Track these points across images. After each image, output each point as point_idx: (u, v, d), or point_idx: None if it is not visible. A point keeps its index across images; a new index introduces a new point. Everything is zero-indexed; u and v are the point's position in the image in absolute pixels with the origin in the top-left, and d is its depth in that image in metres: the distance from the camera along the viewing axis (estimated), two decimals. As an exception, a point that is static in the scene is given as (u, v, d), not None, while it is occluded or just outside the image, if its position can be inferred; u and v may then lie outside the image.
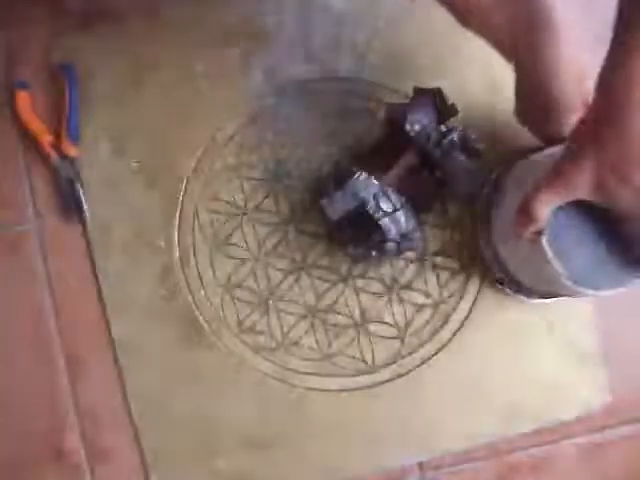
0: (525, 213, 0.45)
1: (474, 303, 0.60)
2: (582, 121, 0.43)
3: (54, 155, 0.61)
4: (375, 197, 0.53)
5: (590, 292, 0.48)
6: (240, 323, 0.61)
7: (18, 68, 0.63)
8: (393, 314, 0.60)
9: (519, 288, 0.57)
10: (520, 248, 0.51)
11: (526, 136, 0.55)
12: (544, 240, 0.47)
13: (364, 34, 0.62)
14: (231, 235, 0.61)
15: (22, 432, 0.61)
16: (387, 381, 0.60)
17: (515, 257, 0.55)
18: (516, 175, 0.54)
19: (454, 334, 0.60)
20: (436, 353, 0.60)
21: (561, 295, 0.54)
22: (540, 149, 0.53)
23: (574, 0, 0.47)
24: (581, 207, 0.46)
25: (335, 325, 0.60)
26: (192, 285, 0.61)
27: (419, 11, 0.62)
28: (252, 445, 0.60)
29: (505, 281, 0.58)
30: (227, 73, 0.62)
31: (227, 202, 0.61)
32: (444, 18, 0.50)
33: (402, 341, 0.60)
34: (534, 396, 0.60)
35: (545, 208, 0.45)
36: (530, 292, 0.57)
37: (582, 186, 0.42)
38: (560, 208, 0.46)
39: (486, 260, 0.59)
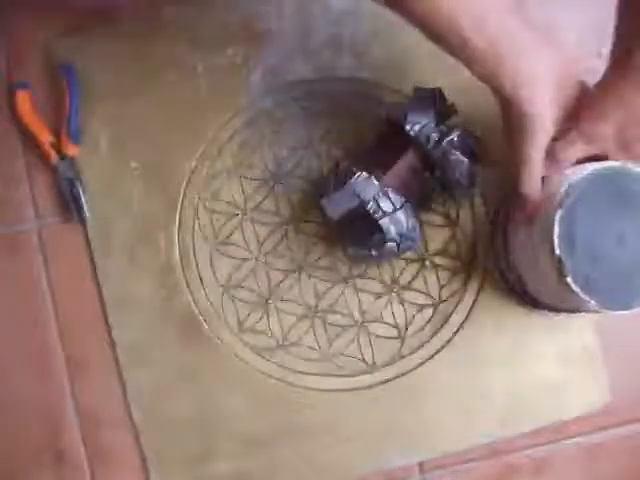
0: (551, 157, 0.44)
1: (474, 303, 0.60)
2: (608, 74, 0.42)
3: (54, 155, 0.61)
4: (375, 197, 0.53)
5: (620, 312, 0.47)
6: (240, 323, 0.61)
7: (18, 68, 0.63)
8: (393, 314, 0.60)
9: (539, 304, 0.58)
10: (541, 271, 0.50)
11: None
12: (569, 279, 0.46)
13: (364, 34, 0.62)
14: (231, 235, 0.61)
15: (22, 432, 0.61)
16: (387, 381, 0.60)
17: (540, 283, 0.54)
18: None
19: (454, 334, 0.60)
20: (436, 353, 0.60)
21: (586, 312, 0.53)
22: None
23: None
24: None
25: (335, 325, 0.60)
26: (192, 285, 0.61)
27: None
28: (252, 445, 0.60)
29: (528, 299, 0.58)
30: (227, 73, 0.62)
31: (227, 202, 0.61)
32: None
33: (402, 341, 0.60)
34: (534, 396, 0.60)
35: (571, 151, 0.44)
36: (554, 309, 0.57)
37: (606, 138, 0.42)
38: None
39: (510, 282, 0.59)
